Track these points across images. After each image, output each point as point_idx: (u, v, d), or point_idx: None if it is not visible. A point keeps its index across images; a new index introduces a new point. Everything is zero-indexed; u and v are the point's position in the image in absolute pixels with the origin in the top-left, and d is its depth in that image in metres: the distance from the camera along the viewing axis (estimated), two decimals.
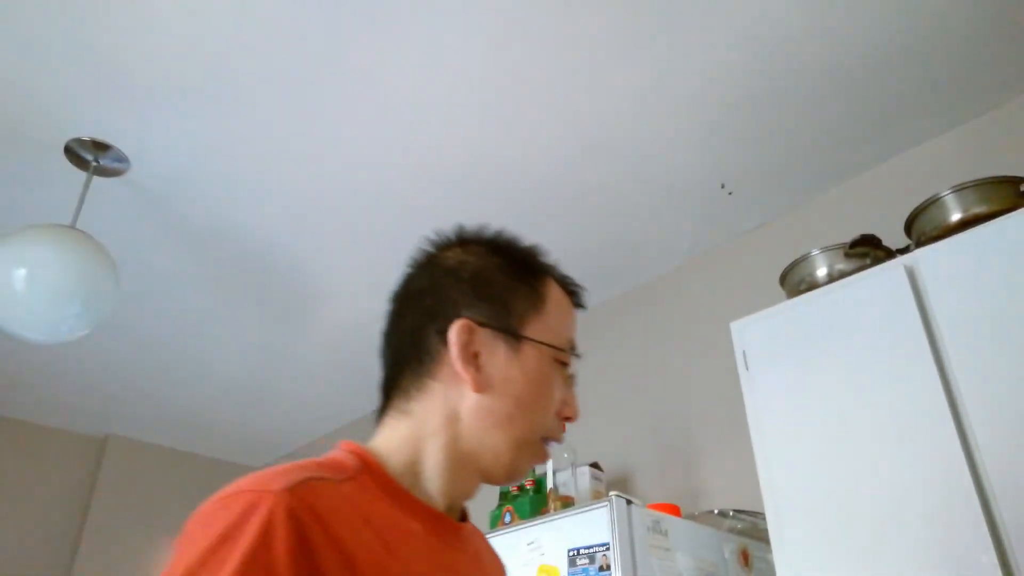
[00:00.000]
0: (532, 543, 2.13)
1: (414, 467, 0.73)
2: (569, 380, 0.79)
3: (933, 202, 1.58)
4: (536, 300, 0.78)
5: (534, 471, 2.42)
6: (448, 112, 1.98)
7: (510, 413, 0.73)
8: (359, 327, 3.02)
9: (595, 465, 2.32)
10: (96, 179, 2.20)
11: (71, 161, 2.15)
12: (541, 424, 0.75)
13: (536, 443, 0.75)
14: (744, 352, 1.71)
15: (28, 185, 2.27)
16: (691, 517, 1.94)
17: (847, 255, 1.69)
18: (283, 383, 3.53)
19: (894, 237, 1.75)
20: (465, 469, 0.74)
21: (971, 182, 1.54)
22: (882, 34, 1.75)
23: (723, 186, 2.24)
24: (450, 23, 1.73)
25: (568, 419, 0.77)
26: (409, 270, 0.83)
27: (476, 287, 0.77)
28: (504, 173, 2.20)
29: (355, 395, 3.65)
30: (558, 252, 2.97)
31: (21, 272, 1.92)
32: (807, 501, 1.49)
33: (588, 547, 1.95)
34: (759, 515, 1.83)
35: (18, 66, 1.87)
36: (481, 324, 0.74)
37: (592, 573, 1.92)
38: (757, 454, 1.61)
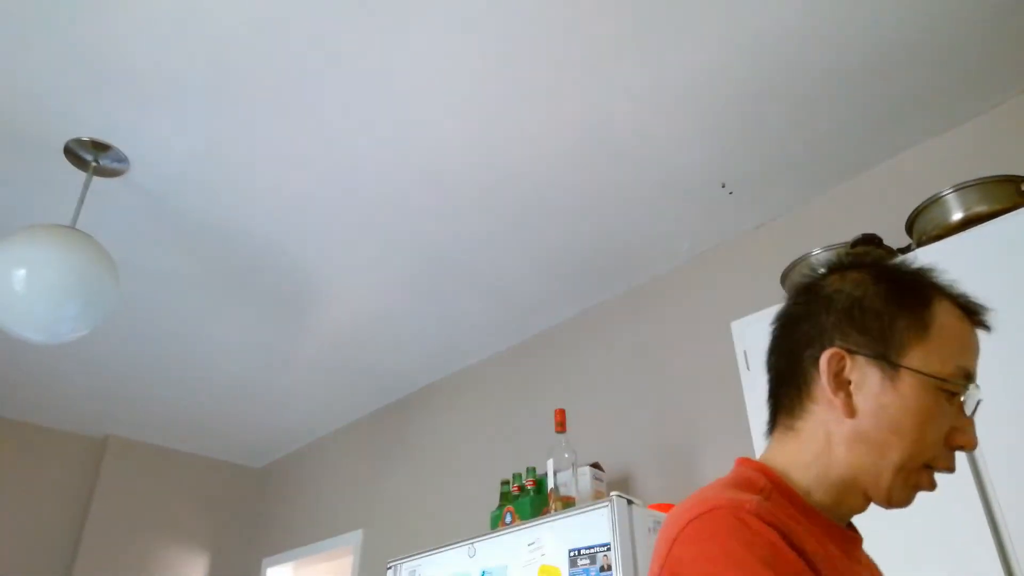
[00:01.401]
0: (533, 543, 2.13)
1: (807, 484, 0.77)
2: (960, 407, 0.76)
3: (934, 201, 1.58)
4: (918, 327, 0.76)
5: (534, 472, 2.42)
6: (448, 112, 1.98)
7: (885, 440, 0.73)
8: (359, 327, 3.02)
9: (596, 465, 2.32)
10: (96, 179, 2.20)
11: (71, 161, 2.15)
12: (922, 452, 0.73)
13: (918, 471, 0.74)
14: (745, 352, 1.71)
15: (28, 185, 2.27)
16: None
17: (848, 254, 1.69)
18: (283, 383, 3.53)
19: (895, 236, 1.75)
20: (849, 489, 0.77)
21: (972, 181, 1.54)
22: (883, 34, 1.75)
23: (723, 185, 2.24)
24: (450, 24, 1.73)
25: (960, 448, 0.75)
26: (791, 296, 0.85)
27: (850, 316, 0.78)
28: (504, 173, 2.19)
29: (355, 395, 3.66)
30: (558, 251, 2.96)
31: (21, 272, 1.92)
32: None
33: (589, 547, 1.95)
34: None
35: (17, 67, 1.86)
36: (853, 352, 0.76)
37: (593, 573, 1.92)
38: (758, 454, 1.60)
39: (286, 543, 4.03)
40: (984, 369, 1.33)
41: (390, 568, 2.65)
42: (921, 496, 1.32)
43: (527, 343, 3.10)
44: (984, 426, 1.30)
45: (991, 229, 1.42)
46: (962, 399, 0.75)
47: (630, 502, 1.91)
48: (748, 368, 1.69)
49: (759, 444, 1.61)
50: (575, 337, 2.89)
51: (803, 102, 1.94)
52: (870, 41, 1.77)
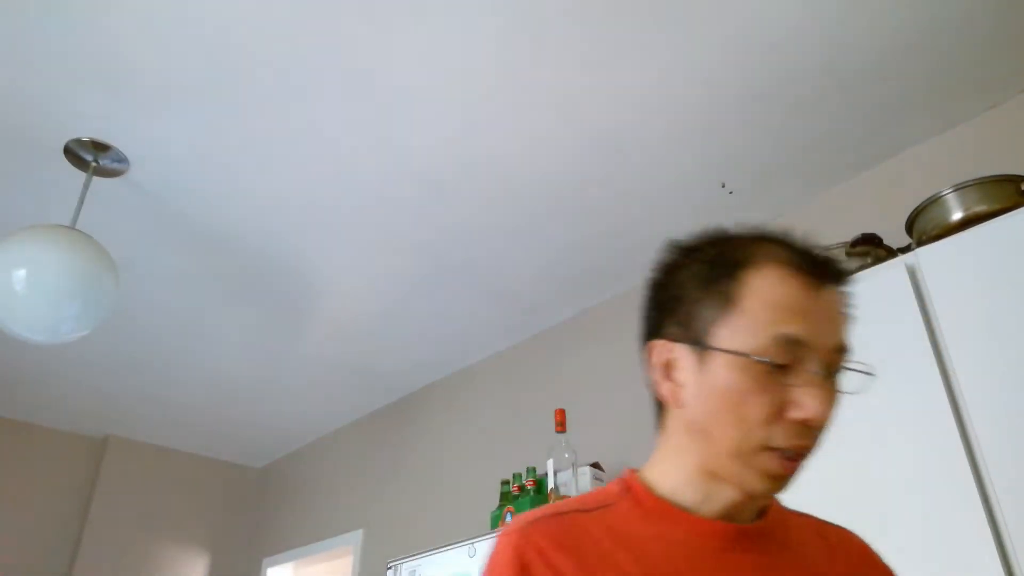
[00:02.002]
0: None
1: (671, 483, 0.77)
2: (779, 378, 0.69)
3: (934, 201, 1.58)
4: (724, 304, 0.72)
5: (534, 472, 2.42)
6: (448, 112, 1.98)
7: (710, 427, 0.71)
8: (359, 327, 3.02)
9: (596, 465, 2.32)
10: (96, 179, 2.20)
11: (71, 162, 2.15)
12: (749, 434, 0.68)
13: (757, 454, 0.69)
14: None
15: (28, 186, 2.27)
16: None
17: (848, 254, 1.69)
18: (283, 383, 3.53)
19: (895, 236, 1.75)
20: (710, 481, 0.75)
21: (972, 181, 1.54)
22: (882, 33, 1.75)
23: (723, 185, 2.24)
24: (451, 23, 1.73)
25: (804, 423, 0.68)
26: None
27: (665, 305, 0.78)
28: (505, 173, 2.19)
29: (355, 395, 3.66)
30: (558, 251, 2.96)
31: (21, 273, 1.92)
32: (807, 501, 1.48)
33: None
34: None
35: (18, 67, 1.86)
36: (674, 341, 0.75)
37: None
38: None
39: (286, 543, 4.03)
40: (984, 369, 1.33)
41: (390, 568, 2.65)
42: (921, 495, 1.32)
43: (527, 343, 3.10)
44: (985, 426, 1.31)
45: (991, 229, 1.42)
46: (808, 367, 0.68)
47: None
48: None
49: None
50: (575, 337, 2.89)
51: (803, 102, 1.94)
52: (870, 40, 1.77)
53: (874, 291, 1.52)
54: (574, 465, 2.25)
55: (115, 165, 2.16)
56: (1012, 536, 1.23)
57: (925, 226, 1.59)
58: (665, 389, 0.75)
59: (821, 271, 0.73)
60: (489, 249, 2.53)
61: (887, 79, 1.87)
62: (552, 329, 3.01)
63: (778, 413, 0.68)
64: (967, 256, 1.43)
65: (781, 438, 0.68)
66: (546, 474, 2.27)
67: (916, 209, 1.61)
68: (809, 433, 0.69)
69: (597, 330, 2.81)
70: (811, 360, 0.69)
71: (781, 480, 0.70)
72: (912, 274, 1.49)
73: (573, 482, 2.22)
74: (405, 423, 3.56)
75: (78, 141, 2.08)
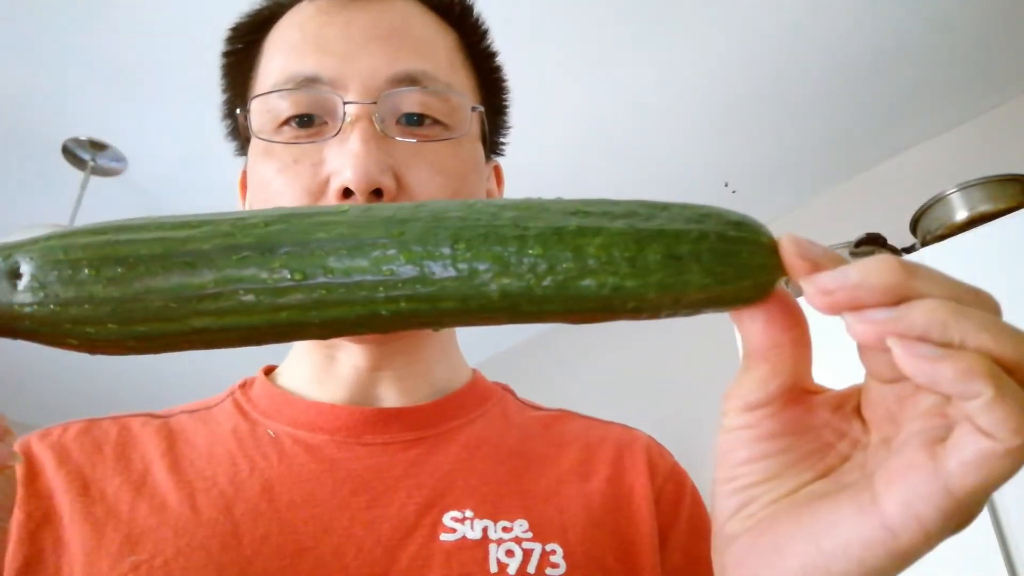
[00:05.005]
0: None
1: (290, 362, 0.58)
2: (314, 144, 0.49)
3: (938, 201, 1.57)
4: (248, 82, 0.56)
5: None
6: None
7: None
8: None
9: None
10: (93, 178, 2.19)
11: (68, 161, 2.14)
12: None
13: None
14: None
15: (25, 185, 2.26)
16: None
17: (852, 254, 1.68)
18: None
19: (899, 236, 1.74)
20: (307, 350, 0.56)
21: (976, 180, 1.53)
22: (886, 32, 1.74)
23: (727, 185, 2.23)
24: None
25: (347, 193, 0.47)
26: None
27: (226, 122, 0.59)
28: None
29: None
30: None
31: None
32: None
33: None
34: None
35: (15, 66, 1.85)
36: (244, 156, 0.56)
37: None
38: None
39: None
40: None
41: None
42: None
43: (527, 343, 3.09)
44: None
45: (996, 228, 1.42)
46: (305, 124, 0.50)
47: None
48: None
49: None
50: (576, 337, 2.88)
51: (807, 100, 1.93)
52: (874, 39, 1.76)
53: None
54: None
55: (113, 164, 2.15)
56: (1014, 536, 1.22)
57: (929, 226, 1.58)
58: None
59: None
60: None
61: (892, 77, 1.86)
62: (552, 329, 3.00)
63: (320, 191, 0.48)
64: (972, 256, 1.42)
65: None
66: None
67: (920, 209, 1.61)
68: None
69: (598, 330, 2.80)
70: (347, 105, 0.48)
71: None
72: None
73: None
74: None
75: (76, 140, 2.07)
